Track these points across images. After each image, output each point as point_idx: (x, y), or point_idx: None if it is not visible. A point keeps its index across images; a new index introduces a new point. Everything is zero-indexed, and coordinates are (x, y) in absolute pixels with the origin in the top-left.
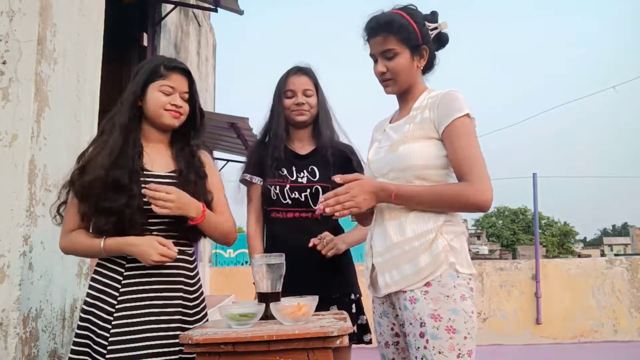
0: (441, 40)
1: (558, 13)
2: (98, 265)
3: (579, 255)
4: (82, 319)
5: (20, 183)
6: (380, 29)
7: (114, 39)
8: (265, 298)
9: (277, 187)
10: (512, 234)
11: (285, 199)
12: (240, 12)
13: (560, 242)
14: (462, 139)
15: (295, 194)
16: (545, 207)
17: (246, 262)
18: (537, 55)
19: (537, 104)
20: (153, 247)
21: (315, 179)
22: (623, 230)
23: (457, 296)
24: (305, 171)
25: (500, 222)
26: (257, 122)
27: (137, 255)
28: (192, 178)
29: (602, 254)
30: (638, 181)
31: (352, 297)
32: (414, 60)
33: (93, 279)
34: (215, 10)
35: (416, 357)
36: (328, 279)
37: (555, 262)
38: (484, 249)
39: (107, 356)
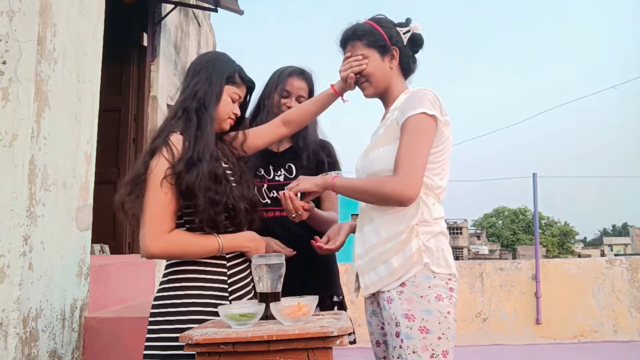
0: (415, 41)
1: (558, 13)
2: (183, 264)
3: (579, 255)
4: (180, 330)
5: (20, 183)
6: (348, 39)
7: (114, 39)
8: (265, 298)
9: (255, 187)
10: (512, 234)
11: (264, 199)
12: (240, 12)
13: (560, 242)
14: (407, 136)
15: (273, 193)
16: (545, 207)
17: None
18: (537, 55)
19: (536, 104)
20: (262, 240)
21: (292, 177)
22: (623, 230)
23: (432, 297)
24: (282, 169)
25: (500, 222)
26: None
27: (251, 250)
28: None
29: (602, 254)
30: (638, 181)
31: (335, 299)
32: (384, 61)
33: (188, 278)
34: (215, 10)
35: (393, 356)
36: (309, 280)
37: (555, 262)
38: (484, 249)
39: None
